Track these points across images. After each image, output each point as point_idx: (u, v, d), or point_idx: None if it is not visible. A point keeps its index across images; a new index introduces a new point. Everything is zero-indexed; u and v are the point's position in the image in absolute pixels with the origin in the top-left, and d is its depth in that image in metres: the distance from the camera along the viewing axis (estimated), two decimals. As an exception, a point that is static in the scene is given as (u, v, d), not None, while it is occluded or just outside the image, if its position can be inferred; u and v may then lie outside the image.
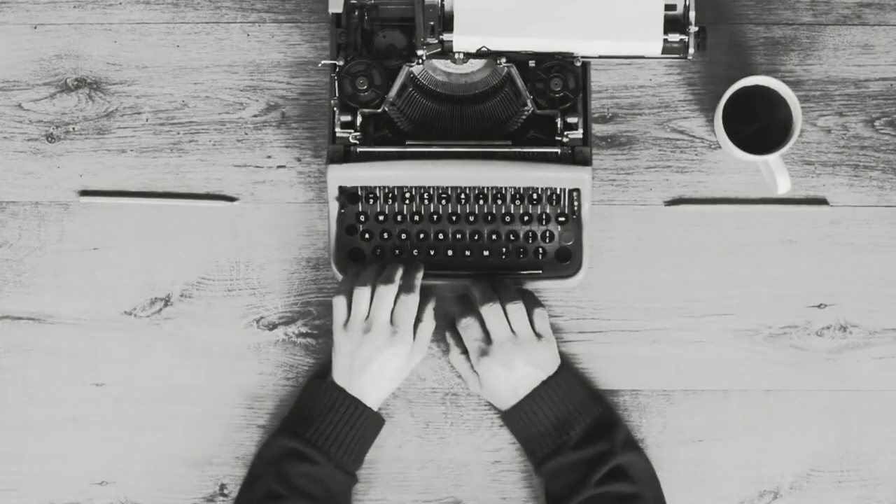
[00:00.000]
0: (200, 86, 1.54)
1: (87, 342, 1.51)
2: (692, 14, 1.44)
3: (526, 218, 1.47)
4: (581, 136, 1.45)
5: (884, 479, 1.49)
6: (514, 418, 1.44)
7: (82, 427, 1.50)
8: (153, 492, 1.50)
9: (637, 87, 1.53)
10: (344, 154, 1.46)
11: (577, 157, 1.45)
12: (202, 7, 1.54)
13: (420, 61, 1.44)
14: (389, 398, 1.50)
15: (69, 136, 1.53)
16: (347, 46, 1.46)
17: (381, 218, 1.48)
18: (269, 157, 1.53)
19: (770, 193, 1.52)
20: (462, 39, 1.44)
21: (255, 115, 1.53)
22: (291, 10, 1.54)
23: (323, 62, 1.47)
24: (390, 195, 1.47)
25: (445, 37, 1.44)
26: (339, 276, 1.47)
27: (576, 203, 1.47)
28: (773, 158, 1.46)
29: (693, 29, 1.44)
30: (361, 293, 1.41)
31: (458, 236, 1.48)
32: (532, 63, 1.45)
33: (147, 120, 1.53)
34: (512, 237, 1.48)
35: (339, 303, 1.42)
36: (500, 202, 1.47)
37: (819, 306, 1.51)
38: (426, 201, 1.47)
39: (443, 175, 1.45)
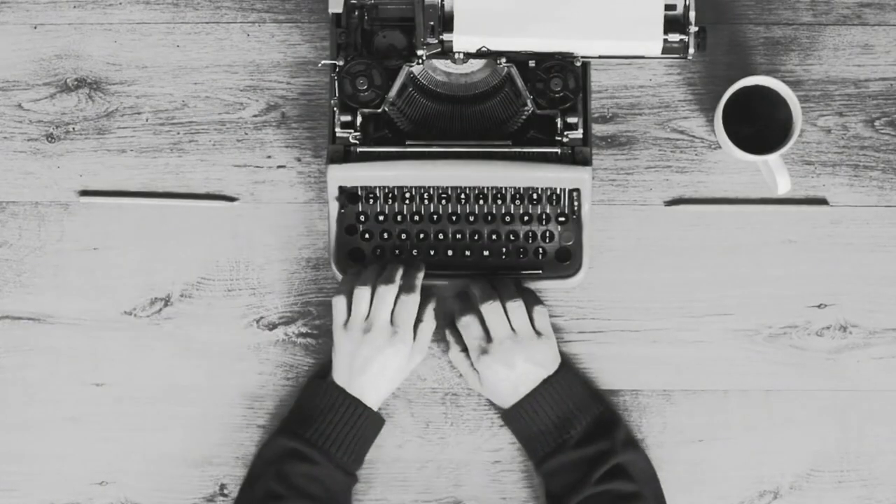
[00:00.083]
0: (200, 86, 1.54)
1: (87, 342, 1.51)
2: (692, 14, 1.44)
3: (526, 218, 1.47)
4: (581, 136, 1.45)
5: (884, 479, 1.49)
6: (514, 416, 1.44)
7: (82, 427, 1.50)
8: (153, 492, 1.50)
9: (637, 87, 1.53)
10: (344, 154, 1.46)
11: (577, 157, 1.45)
12: (202, 7, 1.54)
13: (420, 61, 1.44)
14: (389, 398, 1.50)
15: (69, 136, 1.53)
16: (347, 46, 1.46)
17: (381, 218, 1.48)
18: (269, 157, 1.53)
19: (770, 193, 1.52)
20: (462, 39, 1.44)
21: (255, 115, 1.53)
22: (291, 10, 1.54)
23: (323, 62, 1.47)
24: (390, 195, 1.47)
25: (445, 37, 1.44)
26: (339, 276, 1.47)
27: (576, 203, 1.47)
28: (773, 158, 1.46)
29: (693, 29, 1.44)
30: (361, 293, 1.41)
31: (458, 236, 1.48)
32: (532, 63, 1.45)
33: (147, 120, 1.53)
34: (512, 237, 1.48)
35: (339, 303, 1.42)
36: (500, 202, 1.47)
37: (819, 306, 1.51)
38: (426, 201, 1.47)
39: (443, 175, 1.45)
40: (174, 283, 1.51)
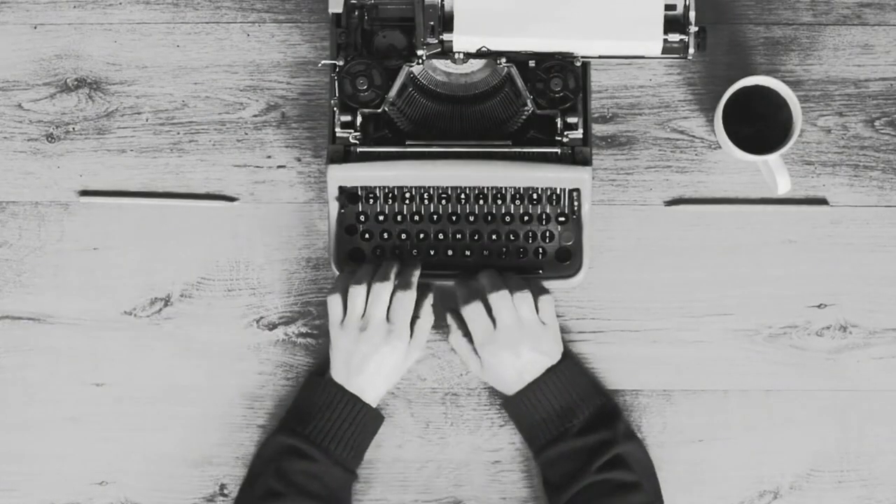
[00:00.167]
0: (200, 86, 1.54)
1: (87, 342, 1.51)
2: (692, 14, 1.44)
3: (526, 218, 1.47)
4: (581, 136, 1.45)
5: (884, 479, 1.49)
6: (517, 404, 1.44)
7: (82, 427, 1.50)
8: (153, 492, 1.50)
9: (637, 87, 1.53)
10: (344, 154, 1.46)
11: (577, 157, 1.45)
12: (202, 7, 1.54)
13: (420, 61, 1.44)
14: (389, 398, 1.50)
15: (69, 136, 1.53)
16: (347, 46, 1.46)
17: (381, 218, 1.48)
18: (269, 157, 1.53)
19: (770, 193, 1.52)
20: (462, 39, 1.44)
21: (255, 115, 1.53)
22: (291, 10, 1.54)
23: (323, 62, 1.47)
24: (390, 195, 1.47)
25: (445, 37, 1.44)
26: (339, 276, 1.47)
27: (576, 203, 1.47)
28: (773, 158, 1.46)
29: (693, 29, 1.44)
30: (356, 291, 1.41)
31: (458, 236, 1.48)
32: (532, 63, 1.45)
33: (147, 120, 1.53)
34: (512, 237, 1.48)
35: (335, 301, 1.42)
36: (500, 202, 1.47)
37: (819, 306, 1.51)
38: (426, 201, 1.47)
39: (443, 175, 1.45)
40: (174, 283, 1.51)
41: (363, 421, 1.42)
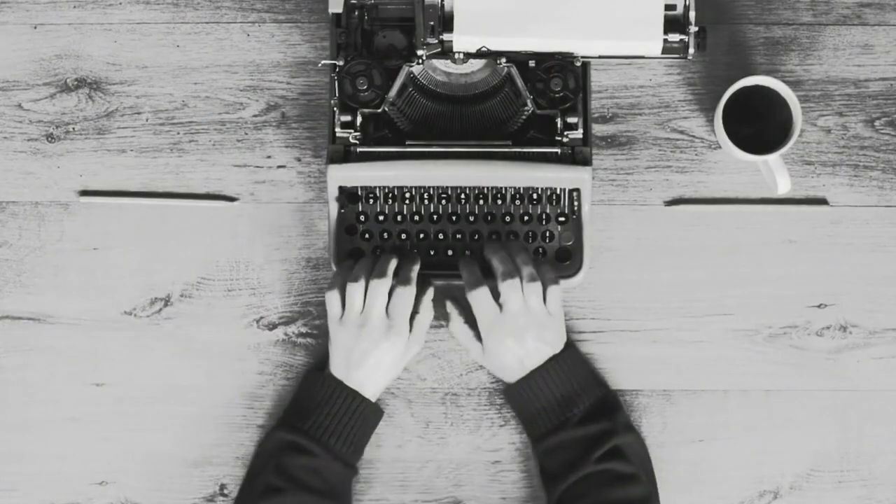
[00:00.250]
0: (200, 86, 1.54)
1: (87, 342, 1.51)
2: (692, 14, 1.44)
3: (526, 218, 1.47)
4: (581, 136, 1.45)
5: (884, 479, 1.49)
6: (518, 392, 1.44)
7: (82, 427, 1.50)
8: (153, 492, 1.50)
9: (637, 87, 1.53)
10: (344, 154, 1.46)
11: (577, 157, 1.45)
12: (202, 7, 1.54)
13: (420, 61, 1.44)
14: (389, 398, 1.50)
15: (69, 136, 1.53)
16: (347, 46, 1.46)
17: (381, 218, 1.48)
18: (269, 157, 1.53)
19: (770, 193, 1.52)
20: (462, 39, 1.44)
21: (255, 115, 1.53)
22: (291, 10, 1.54)
23: (323, 62, 1.47)
24: (390, 195, 1.47)
25: (445, 37, 1.44)
26: (339, 276, 1.47)
27: (576, 203, 1.47)
28: (773, 158, 1.46)
29: (693, 29, 1.44)
30: (354, 288, 1.41)
31: (458, 236, 1.48)
32: (532, 63, 1.45)
33: (147, 120, 1.53)
34: (512, 237, 1.48)
35: (333, 298, 1.42)
36: (500, 202, 1.47)
37: (819, 306, 1.51)
38: (426, 201, 1.47)
39: (443, 175, 1.45)
40: (174, 283, 1.51)
41: (363, 416, 1.42)
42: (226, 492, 1.49)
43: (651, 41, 1.44)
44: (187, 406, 1.50)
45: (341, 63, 1.44)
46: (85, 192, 1.52)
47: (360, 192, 1.47)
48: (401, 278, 1.42)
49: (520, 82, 1.45)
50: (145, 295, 1.51)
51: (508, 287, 1.41)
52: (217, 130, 1.53)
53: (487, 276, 1.43)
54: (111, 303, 1.51)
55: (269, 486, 1.40)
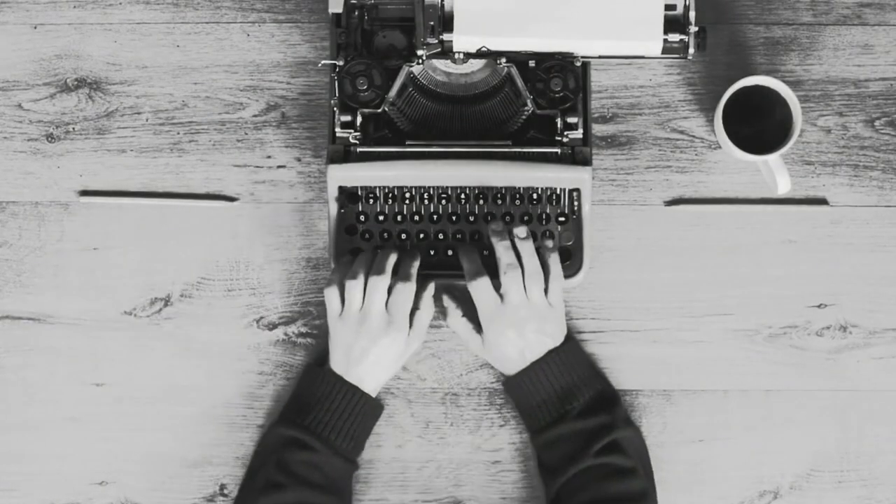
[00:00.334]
0: (200, 86, 1.54)
1: (87, 342, 1.51)
2: (692, 14, 1.44)
3: (526, 218, 1.47)
4: (581, 136, 1.46)
5: (884, 479, 1.49)
6: (518, 384, 1.44)
7: (82, 427, 1.50)
8: (153, 492, 1.50)
9: (637, 87, 1.53)
10: (344, 154, 1.46)
11: (577, 157, 1.45)
12: (202, 7, 1.54)
13: (420, 61, 1.44)
14: (389, 398, 1.50)
15: (69, 136, 1.53)
16: (347, 46, 1.46)
17: (381, 218, 1.48)
18: (269, 157, 1.53)
19: (770, 193, 1.52)
20: (462, 39, 1.44)
21: (255, 115, 1.53)
22: (291, 10, 1.54)
23: (323, 62, 1.47)
24: (390, 195, 1.47)
25: (445, 37, 1.44)
26: (339, 276, 1.47)
27: (576, 203, 1.47)
28: (773, 158, 1.46)
29: (693, 29, 1.44)
30: (353, 285, 1.41)
31: (458, 236, 1.48)
32: (532, 63, 1.45)
33: (147, 120, 1.53)
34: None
35: (332, 294, 1.42)
36: (500, 202, 1.47)
37: (819, 306, 1.51)
38: (426, 201, 1.47)
39: (443, 175, 1.45)
40: (174, 283, 1.51)
41: (363, 411, 1.43)
42: (226, 492, 1.49)
43: (651, 41, 1.44)
44: (187, 406, 1.50)
45: (341, 63, 1.44)
46: (85, 192, 1.52)
47: (360, 192, 1.47)
48: (401, 275, 1.42)
49: (520, 82, 1.45)
50: (145, 295, 1.51)
51: (510, 278, 1.41)
52: (217, 130, 1.53)
53: (488, 267, 1.43)
54: (111, 303, 1.51)
55: (270, 482, 1.40)
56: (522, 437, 1.50)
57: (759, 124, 1.48)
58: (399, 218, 1.47)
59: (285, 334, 1.51)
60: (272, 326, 1.51)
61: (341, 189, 1.46)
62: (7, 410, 1.50)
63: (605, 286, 1.51)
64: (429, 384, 1.51)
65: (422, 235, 1.48)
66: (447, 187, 1.46)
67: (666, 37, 1.44)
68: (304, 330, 1.51)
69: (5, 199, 1.53)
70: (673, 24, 1.44)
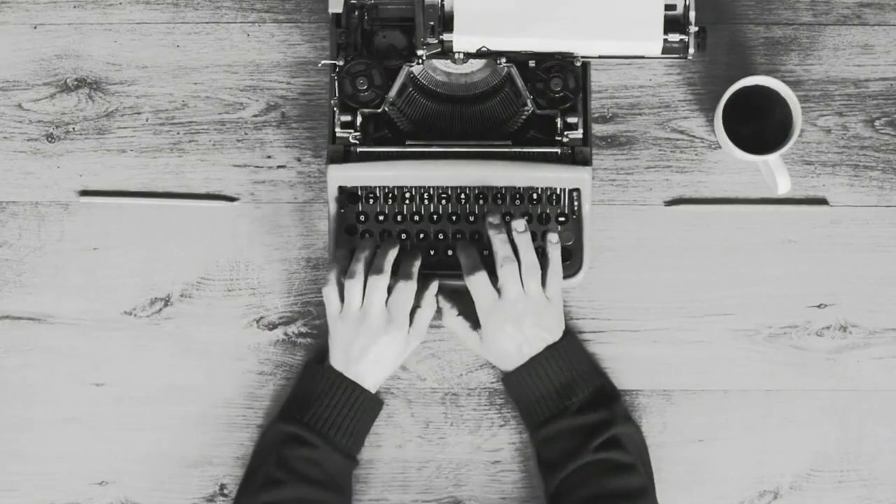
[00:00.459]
0: (200, 86, 1.54)
1: (87, 342, 1.51)
2: (692, 14, 1.44)
3: (526, 218, 1.47)
4: (581, 136, 1.46)
5: (884, 479, 1.49)
6: (517, 380, 1.44)
7: (82, 427, 1.50)
8: (153, 492, 1.50)
9: (637, 87, 1.53)
10: (344, 154, 1.46)
11: (577, 157, 1.45)
12: (202, 7, 1.54)
13: (420, 61, 1.44)
14: (389, 398, 1.50)
15: (69, 136, 1.53)
16: (347, 46, 1.46)
17: (381, 218, 1.48)
18: (269, 157, 1.53)
19: (770, 193, 1.52)
20: (462, 39, 1.44)
21: (255, 115, 1.53)
22: (291, 10, 1.54)
23: (323, 62, 1.47)
24: (390, 195, 1.47)
25: (445, 37, 1.44)
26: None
27: (576, 203, 1.47)
28: (773, 158, 1.46)
29: (693, 29, 1.44)
30: (352, 284, 1.41)
31: (458, 236, 1.48)
32: (532, 63, 1.45)
33: (147, 120, 1.53)
34: (511, 238, 1.47)
35: (331, 293, 1.42)
36: (500, 202, 1.47)
37: (819, 306, 1.51)
38: (426, 201, 1.47)
39: (443, 175, 1.45)
40: (174, 283, 1.51)
41: (362, 407, 1.43)
42: (226, 492, 1.49)
43: (651, 41, 1.44)
44: (187, 406, 1.50)
45: (341, 63, 1.44)
46: (85, 192, 1.52)
47: (360, 192, 1.47)
48: (402, 273, 1.42)
49: (520, 82, 1.45)
50: (145, 295, 1.51)
51: (507, 272, 1.41)
52: (217, 130, 1.53)
53: (486, 266, 1.43)
54: (111, 303, 1.51)
55: (270, 478, 1.40)
56: (522, 436, 1.50)
57: (759, 124, 1.48)
58: (399, 218, 1.47)
59: (285, 334, 1.51)
60: (272, 326, 1.51)
61: (341, 189, 1.46)
62: (7, 410, 1.50)
63: (605, 286, 1.51)
64: (429, 384, 1.51)
65: (422, 235, 1.48)
66: (447, 187, 1.46)
67: (666, 37, 1.44)
68: (303, 330, 1.51)
69: (5, 199, 1.53)
70: (673, 24, 1.44)
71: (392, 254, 1.42)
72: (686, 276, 1.51)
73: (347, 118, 1.44)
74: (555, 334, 1.44)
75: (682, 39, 1.44)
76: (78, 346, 1.51)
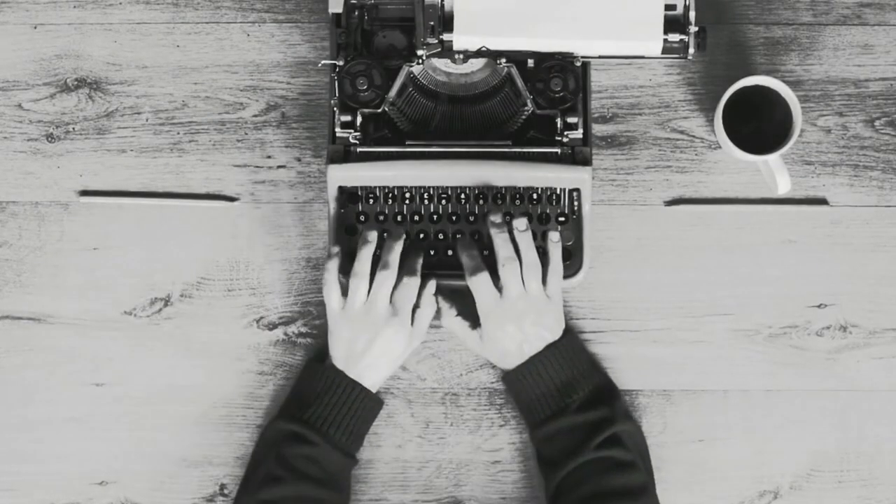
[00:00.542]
0: (200, 86, 1.54)
1: (87, 342, 1.51)
2: (692, 14, 1.44)
3: (526, 218, 1.47)
4: (581, 136, 1.46)
5: (884, 479, 1.49)
6: (517, 378, 1.44)
7: (82, 427, 1.50)
8: (153, 492, 1.50)
9: (637, 87, 1.53)
10: (344, 154, 1.46)
11: (577, 157, 1.45)
12: (202, 7, 1.54)
13: (420, 61, 1.44)
14: (389, 398, 1.50)
15: (69, 136, 1.53)
16: (347, 46, 1.46)
17: (381, 218, 1.48)
18: (269, 157, 1.53)
19: (770, 193, 1.52)
20: (462, 39, 1.44)
21: (255, 115, 1.53)
22: (291, 10, 1.54)
23: (323, 62, 1.47)
24: (390, 195, 1.47)
25: (445, 37, 1.44)
26: (340, 278, 1.47)
27: (576, 203, 1.47)
28: (773, 158, 1.46)
29: (693, 29, 1.44)
30: (358, 280, 1.41)
31: (458, 236, 1.48)
32: (532, 63, 1.45)
33: (147, 120, 1.53)
34: (512, 237, 1.47)
35: (331, 291, 1.42)
36: (500, 202, 1.47)
37: (819, 306, 1.51)
38: (426, 201, 1.47)
39: (443, 175, 1.45)
40: (174, 283, 1.51)
41: (362, 405, 1.43)
42: (226, 492, 1.49)
43: (651, 41, 1.44)
44: (187, 406, 1.50)
45: (341, 63, 1.44)
46: (85, 192, 1.53)
47: (360, 192, 1.47)
48: (406, 269, 1.42)
49: (520, 82, 1.45)
50: (145, 295, 1.51)
51: (508, 271, 1.41)
52: (217, 130, 1.53)
53: (487, 266, 1.43)
54: (111, 303, 1.51)
55: (269, 476, 1.40)
56: (522, 436, 1.50)
57: (759, 124, 1.48)
58: (399, 218, 1.47)
59: (285, 334, 1.51)
60: (272, 326, 1.51)
61: (341, 189, 1.46)
62: (7, 410, 1.50)
63: (605, 286, 1.51)
64: (429, 384, 1.51)
65: (422, 235, 1.48)
66: (447, 187, 1.46)
67: (666, 37, 1.44)
68: (303, 330, 1.51)
69: (5, 199, 1.53)
70: (673, 24, 1.44)
71: (398, 249, 1.42)
72: (686, 276, 1.51)
73: (347, 118, 1.44)
74: (555, 333, 1.44)
75: (682, 39, 1.44)
76: (78, 346, 1.51)
